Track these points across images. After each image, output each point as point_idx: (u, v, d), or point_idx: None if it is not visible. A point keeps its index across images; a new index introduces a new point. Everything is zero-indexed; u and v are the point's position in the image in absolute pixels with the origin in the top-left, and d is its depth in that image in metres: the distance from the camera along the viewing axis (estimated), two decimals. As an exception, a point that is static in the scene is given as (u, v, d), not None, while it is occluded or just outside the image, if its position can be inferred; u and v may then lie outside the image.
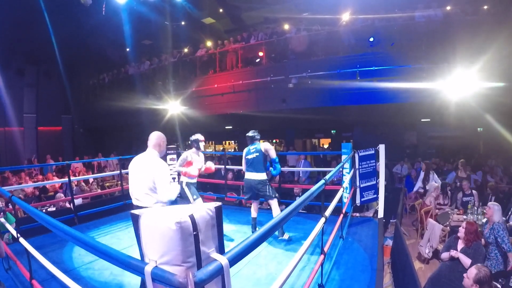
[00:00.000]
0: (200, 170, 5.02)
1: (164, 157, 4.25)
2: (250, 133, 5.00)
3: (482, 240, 4.64)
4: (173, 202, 3.08)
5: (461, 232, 4.18)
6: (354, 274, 3.54)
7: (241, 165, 5.15)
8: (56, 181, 8.98)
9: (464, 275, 3.28)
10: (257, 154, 4.81)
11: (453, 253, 4.10)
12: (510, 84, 7.36)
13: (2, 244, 2.63)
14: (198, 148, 5.12)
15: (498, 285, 4.16)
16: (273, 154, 4.86)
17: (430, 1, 9.37)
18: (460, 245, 4.21)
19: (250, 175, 4.84)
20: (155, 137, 3.16)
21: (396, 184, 9.58)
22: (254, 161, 4.80)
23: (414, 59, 8.43)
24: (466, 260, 3.94)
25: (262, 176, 4.78)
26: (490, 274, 3.20)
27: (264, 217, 5.93)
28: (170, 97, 12.16)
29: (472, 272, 3.17)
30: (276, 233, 4.69)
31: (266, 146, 4.87)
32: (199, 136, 5.13)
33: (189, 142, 5.16)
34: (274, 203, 4.72)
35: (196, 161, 5.04)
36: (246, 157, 4.91)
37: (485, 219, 6.20)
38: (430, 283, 4.27)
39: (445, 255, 4.32)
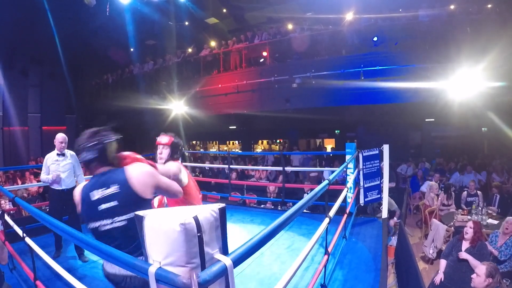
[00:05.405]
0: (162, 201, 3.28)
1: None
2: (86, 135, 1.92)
3: (492, 250, 4.68)
4: None
5: (470, 232, 4.17)
6: (357, 274, 3.53)
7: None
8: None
9: (473, 275, 3.28)
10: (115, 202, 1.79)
11: (463, 255, 4.06)
12: (515, 84, 7.32)
13: (6, 250, 2.64)
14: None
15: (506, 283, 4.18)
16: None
17: (433, 0, 9.32)
18: (465, 245, 4.19)
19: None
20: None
21: (400, 185, 9.54)
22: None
23: (418, 59, 8.38)
24: (475, 264, 3.87)
25: None
26: (497, 267, 3.24)
27: (266, 217, 5.95)
28: (174, 97, 12.18)
29: (482, 269, 3.20)
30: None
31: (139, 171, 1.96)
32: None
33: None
34: None
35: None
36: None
37: (489, 219, 6.22)
38: (434, 284, 4.26)
39: (442, 264, 4.32)
